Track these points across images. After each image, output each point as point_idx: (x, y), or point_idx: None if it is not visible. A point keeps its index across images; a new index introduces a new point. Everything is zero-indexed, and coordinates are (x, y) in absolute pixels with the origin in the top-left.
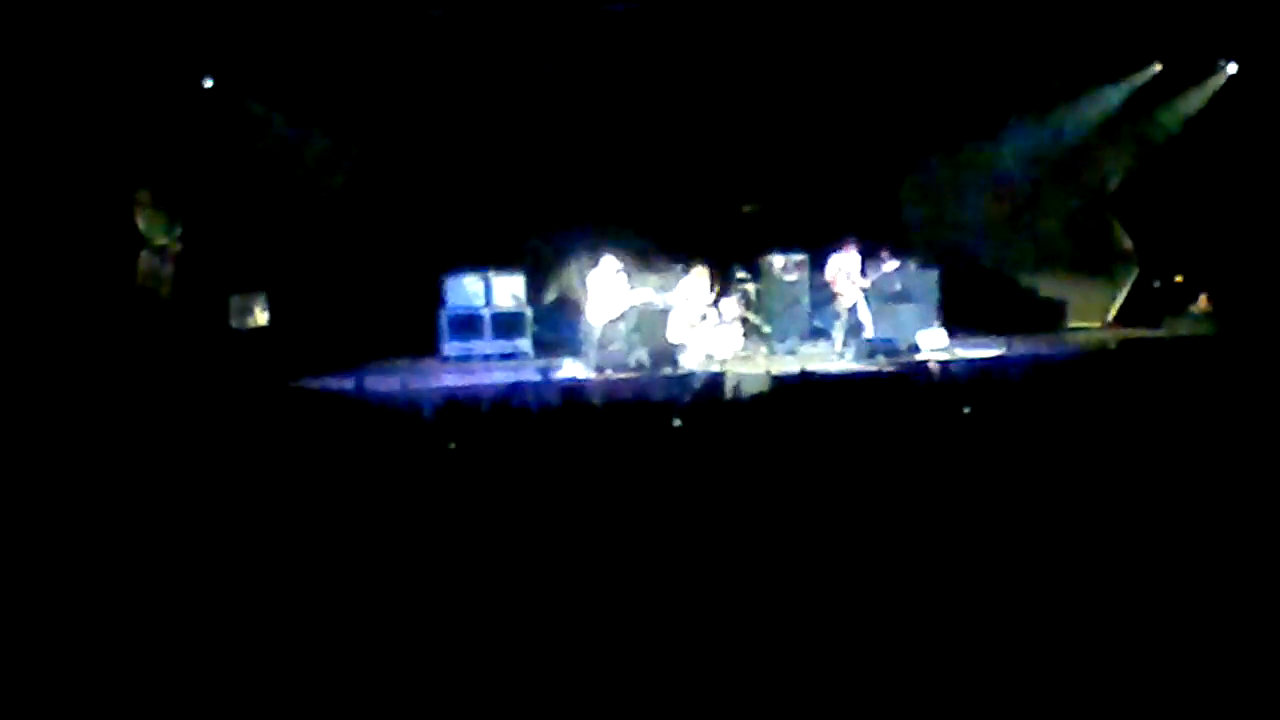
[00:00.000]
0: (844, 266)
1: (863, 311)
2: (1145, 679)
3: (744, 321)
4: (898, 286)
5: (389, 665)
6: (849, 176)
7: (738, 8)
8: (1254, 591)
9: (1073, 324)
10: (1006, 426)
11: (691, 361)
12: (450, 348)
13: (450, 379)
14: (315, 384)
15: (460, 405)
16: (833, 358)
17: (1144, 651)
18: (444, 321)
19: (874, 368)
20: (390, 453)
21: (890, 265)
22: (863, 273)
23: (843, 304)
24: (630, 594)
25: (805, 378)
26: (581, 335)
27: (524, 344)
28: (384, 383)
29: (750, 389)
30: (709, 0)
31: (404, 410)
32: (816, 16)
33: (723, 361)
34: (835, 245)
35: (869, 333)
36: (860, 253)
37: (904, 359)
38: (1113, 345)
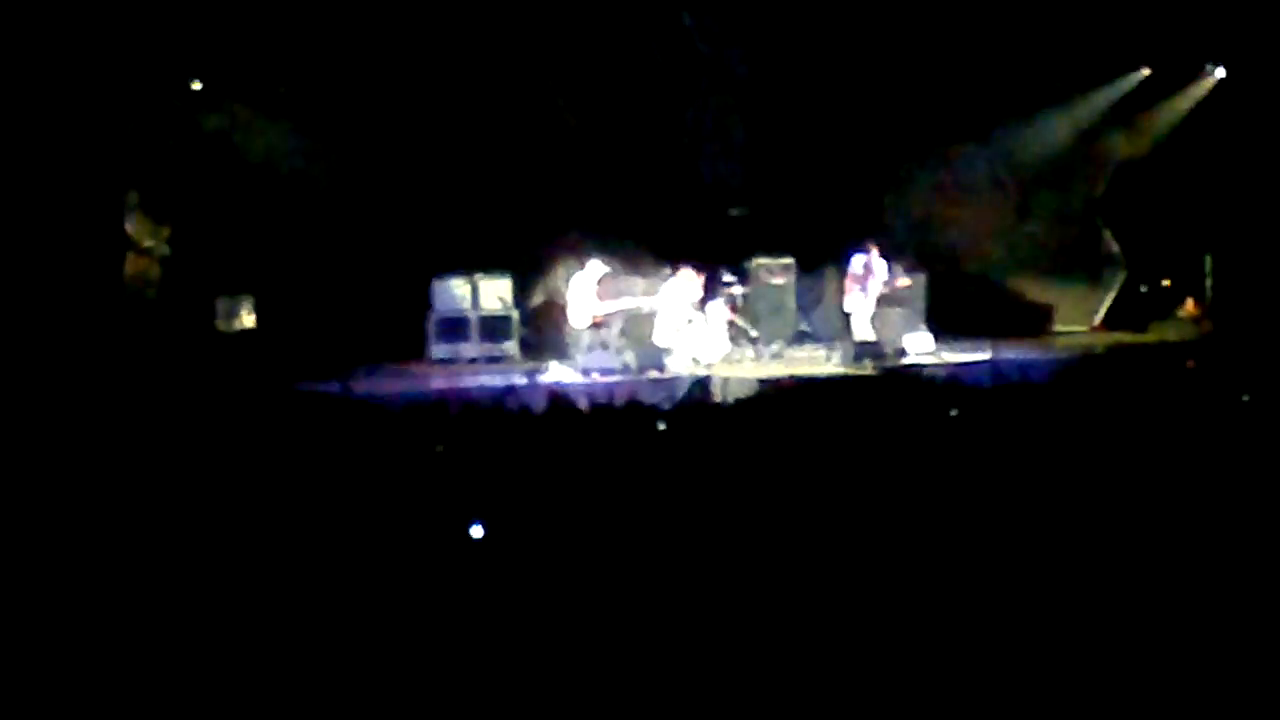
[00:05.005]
0: (862, 271)
1: (863, 318)
2: (1136, 685)
3: (730, 325)
4: (884, 289)
5: (377, 669)
6: (836, 180)
7: (728, 10)
8: (1241, 590)
9: (1059, 328)
10: (993, 430)
11: (678, 365)
12: (437, 350)
13: (437, 382)
14: (302, 387)
15: (447, 408)
16: (819, 362)
17: (1133, 659)
18: (431, 324)
19: (860, 371)
20: (376, 456)
21: (904, 282)
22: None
23: (850, 305)
24: (616, 598)
25: (791, 381)
26: (568, 339)
27: (511, 347)
28: (371, 385)
29: (736, 393)
30: (697, 3)
31: (391, 413)
32: (805, 19)
33: (709, 365)
34: (844, 249)
35: (858, 337)
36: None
37: (890, 363)
38: (1099, 349)
